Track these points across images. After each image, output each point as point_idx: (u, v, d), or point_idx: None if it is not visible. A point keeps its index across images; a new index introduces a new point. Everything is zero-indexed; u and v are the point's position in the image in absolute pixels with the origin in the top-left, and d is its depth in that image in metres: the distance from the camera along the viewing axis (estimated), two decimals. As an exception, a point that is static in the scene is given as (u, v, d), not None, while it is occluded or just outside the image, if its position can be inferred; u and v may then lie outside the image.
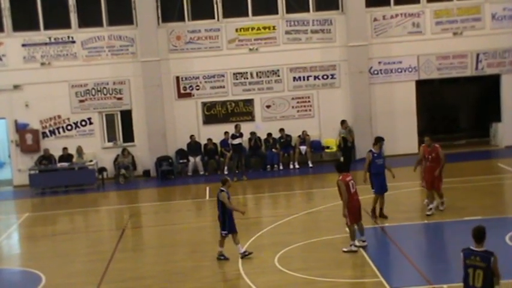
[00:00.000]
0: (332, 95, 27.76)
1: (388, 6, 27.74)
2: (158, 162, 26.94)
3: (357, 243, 15.56)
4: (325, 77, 27.73)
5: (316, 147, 27.78)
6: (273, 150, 27.21)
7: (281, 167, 27.22)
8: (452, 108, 30.70)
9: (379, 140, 18.28)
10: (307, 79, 27.70)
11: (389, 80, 27.79)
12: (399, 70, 27.76)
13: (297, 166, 27.20)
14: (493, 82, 28.74)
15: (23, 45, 27.04)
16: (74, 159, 26.78)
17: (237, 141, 26.74)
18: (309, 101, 27.77)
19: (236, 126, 26.67)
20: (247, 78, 27.61)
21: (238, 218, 15.92)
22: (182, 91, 27.55)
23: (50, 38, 27.12)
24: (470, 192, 19.74)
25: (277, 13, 27.61)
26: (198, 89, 27.55)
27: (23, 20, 27.32)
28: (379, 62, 27.68)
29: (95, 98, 27.35)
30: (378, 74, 27.73)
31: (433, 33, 27.78)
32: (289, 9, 27.63)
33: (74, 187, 26.19)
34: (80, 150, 26.81)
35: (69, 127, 27.39)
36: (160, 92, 27.16)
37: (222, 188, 15.52)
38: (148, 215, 22.26)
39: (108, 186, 26.62)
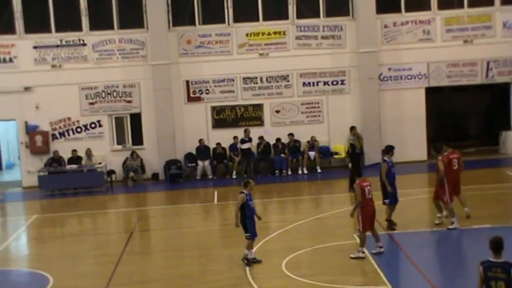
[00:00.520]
0: (341, 101, 27.75)
1: (399, 13, 27.73)
2: (167, 166, 26.99)
3: (373, 251, 15.50)
4: (334, 82, 27.74)
5: (325, 153, 27.78)
6: (282, 155, 27.22)
7: (289, 172, 27.22)
8: (461, 116, 30.62)
9: (391, 148, 17.93)
10: (317, 85, 27.71)
11: (399, 86, 27.77)
12: (409, 77, 27.74)
13: (305, 171, 27.19)
14: (503, 90, 28.69)
15: (35, 47, 27.16)
16: (83, 162, 26.85)
17: (246, 145, 26.85)
18: (318, 107, 27.78)
19: (245, 131, 26.78)
20: (256, 83, 27.64)
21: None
22: (192, 95, 27.60)
23: (61, 41, 27.23)
24: (479, 201, 19.66)
25: (287, 18, 27.64)
26: (207, 93, 27.60)
27: (35, 23, 27.45)
28: (389, 69, 27.68)
29: (104, 100, 27.43)
30: (387, 80, 27.72)
31: (444, 40, 27.74)
32: (300, 14, 27.65)
33: (82, 189, 26.25)
34: (89, 153, 26.88)
35: (78, 129, 27.48)
36: (170, 96, 27.22)
37: (242, 190, 15.30)
38: (156, 218, 22.27)
39: (116, 189, 26.67)
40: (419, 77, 27.73)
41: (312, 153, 27.28)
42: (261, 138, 27.16)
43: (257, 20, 27.69)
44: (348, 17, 27.73)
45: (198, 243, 18.01)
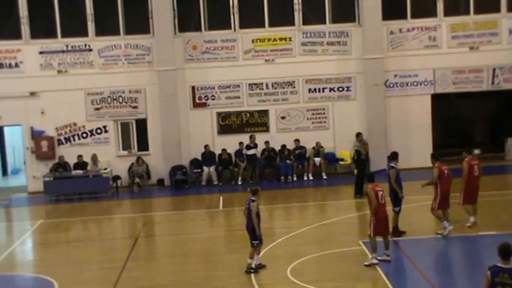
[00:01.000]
0: (347, 107, 27.73)
1: (405, 19, 27.70)
2: (172, 172, 26.99)
3: (379, 257, 15.44)
4: (340, 89, 27.72)
5: (331, 159, 27.74)
6: (287, 161, 27.19)
7: (295, 179, 27.19)
8: (467, 123, 30.56)
9: (397, 155, 18.12)
10: (323, 91, 27.69)
11: (404, 93, 27.74)
12: (415, 83, 27.71)
13: (311, 178, 27.16)
14: (508, 97, 28.64)
15: (40, 52, 27.21)
16: (89, 167, 26.87)
17: (251, 151, 26.83)
18: (324, 113, 27.76)
19: (251, 137, 26.78)
20: (262, 89, 27.64)
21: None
22: (197, 101, 27.60)
23: (67, 46, 27.27)
24: (484, 208, 19.58)
25: (293, 24, 27.64)
26: (213, 99, 27.60)
27: (41, 28, 27.49)
28: (395, 75, 27.64)
29: (110, 106, 27.46)
30: (393, 87, 27.69)
31: (449, 47, 27.71)
32: (306, 20, 27.66)
33: (88, 195, 26.25)
34: (94, 158, 26.90)
35: (84, 135, 27.51)
36: (176, 101, 27.23)
37: (253, 198, 15.19)
38: (161, 224, 22.25)
39: (122, 194, 26.67)
40: (425, 83, 27.70)
41: (317, 160, 27.26)
42: (266, 143, 27.14)
43: (263, 26, 27.69)
44: (354, 23, 27.72)
45: (204, 249, 18.00)
